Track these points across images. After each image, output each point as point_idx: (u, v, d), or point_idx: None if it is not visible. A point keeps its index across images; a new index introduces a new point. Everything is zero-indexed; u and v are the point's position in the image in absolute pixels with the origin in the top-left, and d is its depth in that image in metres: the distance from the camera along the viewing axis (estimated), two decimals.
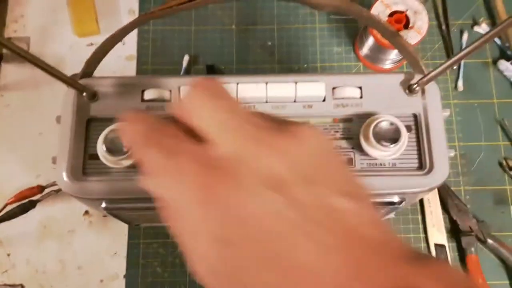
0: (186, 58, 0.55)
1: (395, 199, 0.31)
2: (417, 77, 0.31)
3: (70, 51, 0.56)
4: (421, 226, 0.52)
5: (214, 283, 0.17)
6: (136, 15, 0.58)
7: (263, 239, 0.17)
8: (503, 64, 0.55)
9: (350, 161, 0.30)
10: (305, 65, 0.56)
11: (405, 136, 0.29)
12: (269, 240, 0.17)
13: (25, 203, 0.50)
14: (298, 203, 0.17)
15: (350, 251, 0.16)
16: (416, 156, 0.31)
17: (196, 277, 0.17)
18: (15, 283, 0.51)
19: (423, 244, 0.51)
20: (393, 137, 0.28)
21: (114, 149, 0.28)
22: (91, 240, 0.52)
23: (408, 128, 0.30)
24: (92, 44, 0.56)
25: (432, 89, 0.31)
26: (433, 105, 0.31)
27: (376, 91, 0.31)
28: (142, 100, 0.31)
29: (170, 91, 0.31)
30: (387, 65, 0.55)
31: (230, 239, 0.17)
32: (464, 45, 0.56)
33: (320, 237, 0.16)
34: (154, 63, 0.56)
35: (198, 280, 0.17)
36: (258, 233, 0.17)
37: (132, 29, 0.32)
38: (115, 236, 0.52)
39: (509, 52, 0.56)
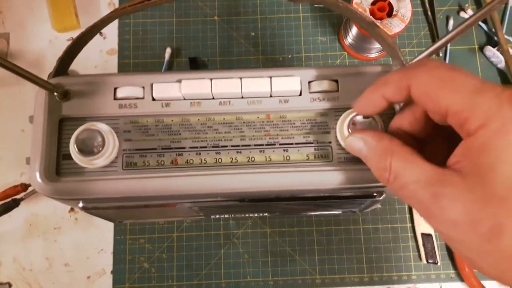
0: (168, 51, 0.54)
1: (374, 192, 0.31)
2: (395, 69, 0.30)
3: (50, 46, 0.56)
4: (407, 215, 0.52)
5: None
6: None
7: None
8: (489, 50, 0.54)
9: (328, 156, 0.30)
10: (289, 56, 0.55)
11: (381, 128, 0.28)
12: None
13: (8, 202, 0.50)
14: None
15: None
16: None
17: None
18: (2, 282, 0.51)
19: (410, 234, 0.51)
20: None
21: (85, 149, 0.28)
22: (77, 237, 0.52)
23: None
24: (72, 38, 0.55)
25: None
26: None
27: (353, 84, 0.30)
28: (115, 98, 0.30)
29: (143, 88, 0.31)
30: (373, 54, 0.54)
31: None
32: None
33: None
34: (135, 56, 0.55)
35: None
36: None
37: (103, 26, 0.31)
38: (101, 233, 0.52)
39: (495, 38, 0.55)
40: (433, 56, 0.41)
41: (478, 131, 0.20)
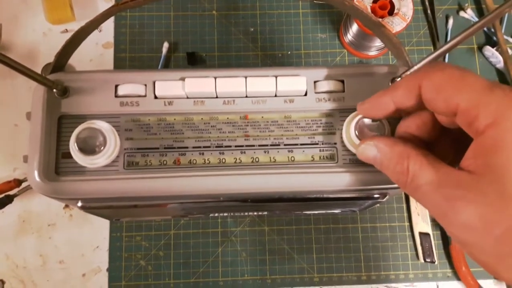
0: (165, 45, 0.53)
1: (377, 194, 0.31)
2: (401, 70, 0.30)
3: (44, 39, 0.54)
4: (405, 214, 0.52)
5: None
6: (112, 0, 0.56)
7: None
8: (488, 50, 0.54)
9: (333, 157, 0.30)
10: (289, 52, 0.55)
11: (387, 131, 0.28)
12: None
13: (1, 198, 0.48)
14: None
15: None
16: None
17: None
18: None
19: (407, 233, 0.51)
20: (376, 133, 0.28)
21: (86, 148, 0.27)
22: (72, 234, 0.51)
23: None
24: (66, 30, 0.54)
25: None
26: None
27: (359, 85, 0.30)
28: (116, 95, 0.30)
29: (145, 85, 0.30)
30: (372, 51, 0.54)
31: None
32: (450, 31, 0.56)
33: None
34: (132, 50, 0.54)
35: None
36: None
37: (103, 21, 0.30)
38: (97, 229, 0.51)
39: (494, 38, 0.55)
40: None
41: (489, 129, 0.20)
